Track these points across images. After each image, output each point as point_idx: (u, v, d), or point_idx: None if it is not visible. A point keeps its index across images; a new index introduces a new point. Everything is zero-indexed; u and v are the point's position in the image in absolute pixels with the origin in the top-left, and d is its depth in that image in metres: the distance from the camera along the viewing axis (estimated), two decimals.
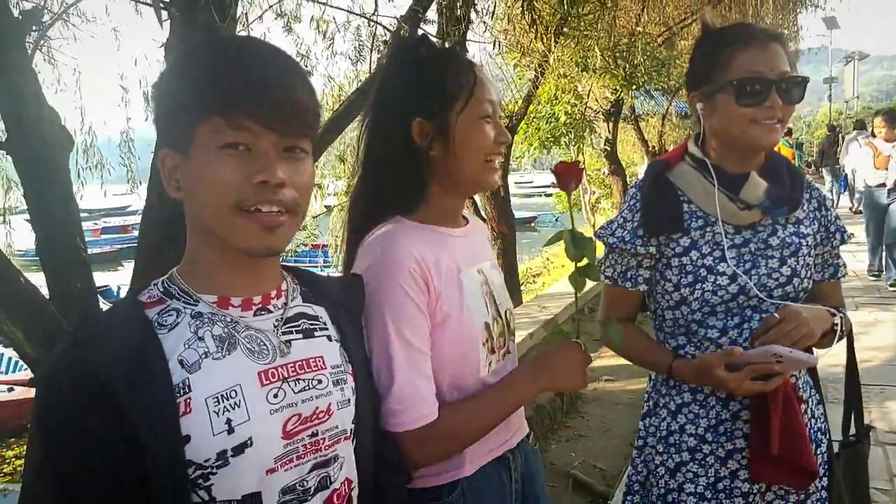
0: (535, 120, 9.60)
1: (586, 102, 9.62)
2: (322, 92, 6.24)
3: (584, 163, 12.17)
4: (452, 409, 1.25)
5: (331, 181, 7.34)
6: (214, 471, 0.88)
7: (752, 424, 1.45)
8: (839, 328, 1.48)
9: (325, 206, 7.48)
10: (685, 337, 1.55)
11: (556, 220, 17.38)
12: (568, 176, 1.29)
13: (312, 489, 0.97)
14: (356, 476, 1.06)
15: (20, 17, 2.51)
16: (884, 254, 7.48)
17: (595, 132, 11.10)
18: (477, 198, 6.06)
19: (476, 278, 1.34)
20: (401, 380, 1.19)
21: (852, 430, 1.75)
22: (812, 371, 1.62)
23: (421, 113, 1.28)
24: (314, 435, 0.98)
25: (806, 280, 1.52)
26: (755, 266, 1.48)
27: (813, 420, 1.56)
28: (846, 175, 15.62)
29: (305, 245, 7.51)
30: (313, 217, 6.79)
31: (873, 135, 8.00)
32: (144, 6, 3.04)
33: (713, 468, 1.50)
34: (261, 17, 4.27)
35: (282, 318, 1.00)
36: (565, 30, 6.94)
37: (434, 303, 1.24)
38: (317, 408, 0.98)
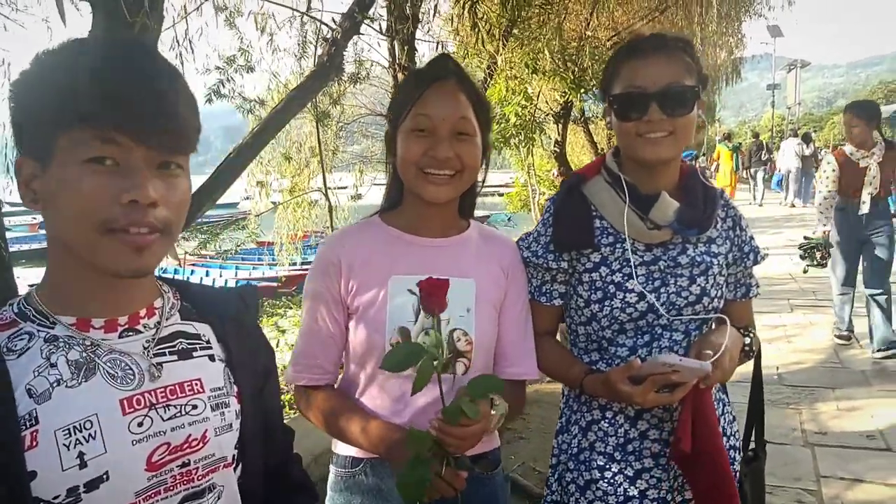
0: None
1: (536, 104, 9.67)
2: (267, 88, 6.14)
3: (534, 163, 12.28)
4: (328, 396, 1.44)
5: (275, 178, 7.21)
6: None
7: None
8: (750, 348, 1.50)
9: (271, 203, 7.35)
10: (598, 353, 1.54)
11: (509, 219, 17.49)
12: (436, 296, 1.17)
13: None
14: (239, 503, 1.01)
15: None
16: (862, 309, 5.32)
17: (545, 134, 11.19)
18: None
19: (414, 285, 1.37)
20: (300, 344, 1.46)
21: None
22: (724, 388, 1.62)
23: (391, 125, 1.46)
24: (185, 465, 0.92)
25: (716, 299, 1.51)
26: (664, 284, 1.47)
27: (725, 438, 1.55)
28: (782, 176, 17.15)
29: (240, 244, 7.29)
30: (256, 215, 6.65)
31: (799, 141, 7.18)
32: None
33: (622, 487, 1.49)
34: (198, 8, 4.11)
35: (153, 339, 0.94)
36: (514, 31, 6.97)
37: (346, 293, 1.42)
38: (189, 435, 0.92)
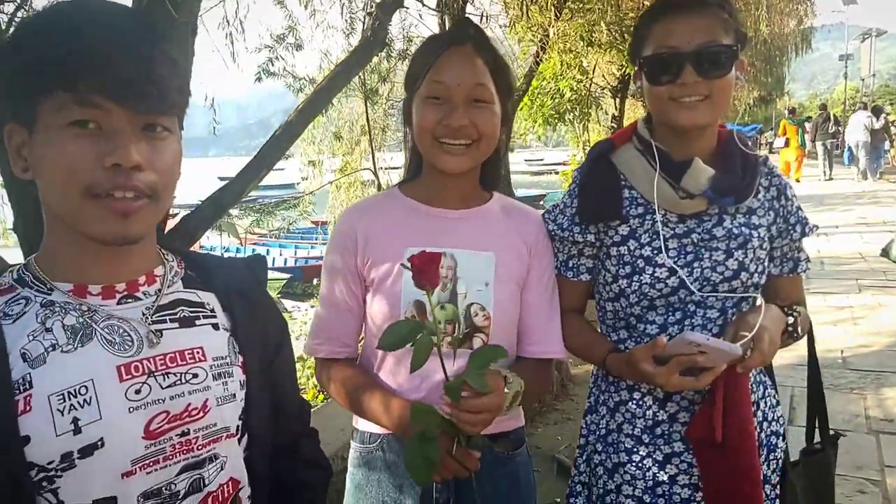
0: (539, 96, 9.47)
1: (591, 78, 9.46)
2: (319, 67, 6.15)
3: (590, 140, 12.04)
4: (348, 371, 1.42)
5: (327, 157, 7.25)
6: (59, 473, 0.81)
7: (698, 413, 1.35)
8: (794, 329, 1.37)
9: (327, 182, 7.38)
10: (626, 331, 1.46)
11: None
12: (427, 271, 1.10)
13: (182, 492, 0.91)
14: (245, 475, 0.99)
15: None
16: None
17: (601, 109, 10.93)
18: None
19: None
20: (318, 317, 1.46)
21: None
22: (767, 369, 1.52)
23: (408, 92, 1.41)
24: (184, 434, 0.90)
25: (757, 275, 1.40)
26: (698, 258, 1.38)
27: (766, 423, 1.46)
28: (850, 148, 16.70)
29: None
30: (308, 194, 6.70)
31: None
32: None
33: (651, 471, 1.41)
34: None
35: (153, 306, 0.93)
36: (569, 3, 6.79)
37: (362, 265, 1.39)
38: (189, 404, 0.91)
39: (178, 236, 2.59)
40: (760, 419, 1.44)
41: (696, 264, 1.37)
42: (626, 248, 1.41)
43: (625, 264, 1.40)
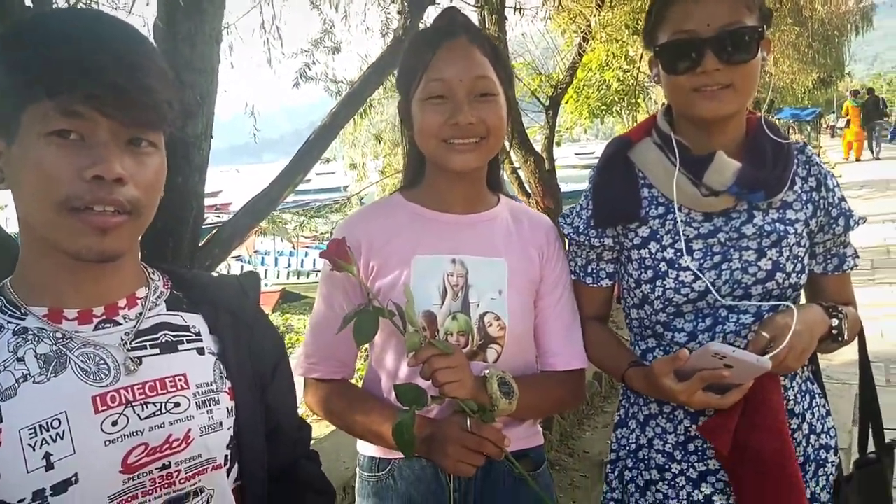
0: (584, 88, 9.29)
1: (639, 67, 9.23)
2: (359, 69, 6.15)
3: None
4: (341, 391, 1.35)
5: (370, 159, 7.26)
6: None
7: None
8: (839, 333, 1.23)
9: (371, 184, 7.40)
10: (654, 339, 1.36)
11: None
12: (341, 255, 1.16)
13: None
14: None
15: (32, 5, 2.48)
16: None
17: (651, 98, 10.67)
18: (521, 173, 5.87)
19: (440, 265, 1.29)
20: (313, 334, 1.37)
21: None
22: (816, 376, 1.39)
23: (403, 95, 1.33)
24: (165, 467, 0.86)
25: (795, 275, 1.28)
26: (726, 259, 1.26)
27: (813, 437, 1.33)
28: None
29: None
30: (354, 196, 6.72)
31: None
32: None
33: (685, 490, 1.31)
34: None
35: (132, 331, 0.88)
36: None
37: (366, 276, 1.30)
38: (170, 435, 0.86)
39: (214, 246, 2.59)
40: (807, 432, 1.32)
41: (724, 266, 1.26)
42: (647, 251, 1.31)
43: (646, 269, 1.31)
